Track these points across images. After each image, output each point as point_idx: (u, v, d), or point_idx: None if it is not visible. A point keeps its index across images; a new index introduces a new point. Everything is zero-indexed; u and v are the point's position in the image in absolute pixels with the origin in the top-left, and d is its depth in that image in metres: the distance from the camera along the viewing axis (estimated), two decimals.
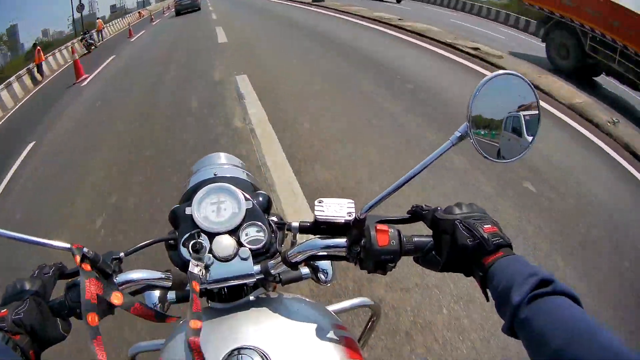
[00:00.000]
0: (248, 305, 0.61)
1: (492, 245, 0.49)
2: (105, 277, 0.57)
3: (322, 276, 0.65)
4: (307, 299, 0.64)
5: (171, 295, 0.68)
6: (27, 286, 0.55)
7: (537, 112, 0.57)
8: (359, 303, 0.81)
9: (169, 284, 0.61)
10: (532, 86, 0.57)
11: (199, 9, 19.70)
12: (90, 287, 0.52)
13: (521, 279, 0.43)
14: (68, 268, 0.61)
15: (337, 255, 0.59)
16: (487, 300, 0.49)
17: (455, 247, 0.51)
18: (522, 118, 0.57)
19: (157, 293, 0.68)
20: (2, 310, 0.51)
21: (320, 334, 0.56)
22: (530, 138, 0.57)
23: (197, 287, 0.55)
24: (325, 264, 0.68)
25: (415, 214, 0.58)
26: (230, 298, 0.63)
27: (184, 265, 0.60)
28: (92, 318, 0.51)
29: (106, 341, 0.49)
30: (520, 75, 0.56)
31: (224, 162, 0.82)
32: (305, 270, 0.69)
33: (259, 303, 0.62)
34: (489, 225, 0.51)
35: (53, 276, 0.59)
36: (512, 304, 0.42)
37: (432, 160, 0.56)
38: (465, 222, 0.51)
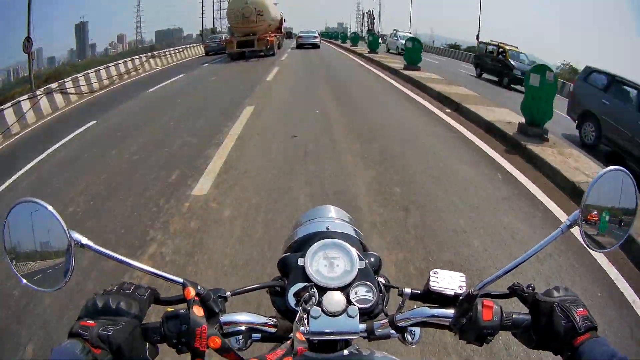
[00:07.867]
0: None
1: (583, 328, 0.55)
2: (210, 315, 0.57)
3: (409, 337, 0.65)
4: (396, 358, 0.66)
5: (256, 335, 0.66)
6: (124, 306, 0.53)
7: (634, 209, 0.62)
8: None
9: (274, 330, 0.62)
10: (636, 188, 0.61)
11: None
12: (201, 335, 0.53)
13: None
14: (159, 294, 0.59)
15: (440, 324, 0.61)
16: None
17: (551, 328, 0.57)
18: (621, 214, 0.61)
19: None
20: (89, 321, 0.51)
21: None
22: (622, 233, 0.62)
23: (302, 338, 0.56)
24: (415, 327, 0.68)
25: (515, 293, 0.63)
26: (323, 349, 0.63)
27: (287, 312, 0.62)
28: None
29: None
30: (629, 174, 0.60)
31: (334, 216, 0.83)
32: None
33: (352, 359, 0.63)
34: (581, 309, 0.57)
35: (148, 300, 0.57)
36: None
37: (543, 246, 0.60)
38: (562, 304, 0.58)
